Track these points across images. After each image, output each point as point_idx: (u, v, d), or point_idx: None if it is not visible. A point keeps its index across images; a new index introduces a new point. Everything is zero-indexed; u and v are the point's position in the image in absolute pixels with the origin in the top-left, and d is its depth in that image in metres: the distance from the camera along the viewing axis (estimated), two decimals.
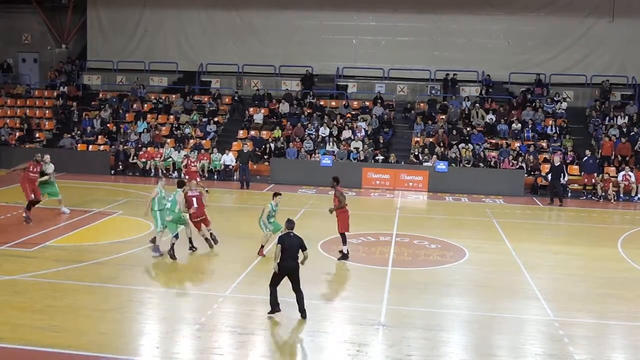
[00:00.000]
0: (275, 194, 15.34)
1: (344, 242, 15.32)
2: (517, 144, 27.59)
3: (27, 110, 32.82)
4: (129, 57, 33.89)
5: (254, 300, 12.27)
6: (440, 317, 11.75)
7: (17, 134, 30.77)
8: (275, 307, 11.27)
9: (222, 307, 11.94)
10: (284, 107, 30.65)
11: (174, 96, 32.39)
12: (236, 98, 31.80)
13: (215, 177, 26.88)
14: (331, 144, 27.84)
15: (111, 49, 34.31)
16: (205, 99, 32.09)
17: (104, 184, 24.80)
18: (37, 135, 31.02)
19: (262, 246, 15.11)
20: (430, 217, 22.09)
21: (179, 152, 27.37)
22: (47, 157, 18.94)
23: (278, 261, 11.07)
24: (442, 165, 25.60)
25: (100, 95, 33.22)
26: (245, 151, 25.85)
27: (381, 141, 27.91)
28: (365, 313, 11.71)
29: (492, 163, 26.52)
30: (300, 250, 11.33)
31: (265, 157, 27.81)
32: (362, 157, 26.95)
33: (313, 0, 32.43)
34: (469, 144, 27.28)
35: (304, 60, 32.30)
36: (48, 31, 35.29)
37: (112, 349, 9.76)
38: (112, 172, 27.26)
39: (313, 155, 27.39)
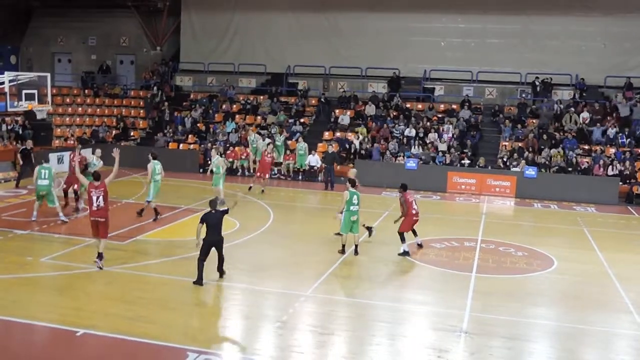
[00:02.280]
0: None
1: (403, 240, 15.50)
2: (612, 150, 26.41)
3: (123, 110, 34.35)
4: (219, 59, 34.77)
5: (336, 301, 12.33)
6: (525, 327, 11.40)
7: (114, 132, 32.25)
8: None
9: (304, 306, 12.04)
10: (370, 109, 30.59)
11: (261, 97, 32.99)
12: (322, 99, 32.04)
13: (300, 177, 27.16)
14: (416, 146, 27.57)
15: (202, 51, 35.31)
16: (292, 100, 32.52)
17: (193, 181, 25.54)
18: (131, 133, 32.38)
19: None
20: (517, 223, 21.47)
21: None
22: (98, 152, 20.16)
23: (203, 237, 12.55)
24: (531, 171, 24.83)
25: (192, 96, 34.27)
26: (330, 152, 25.98)
27: (468, 145, 27.40)
28: (446, 319, 11.51)
29: (583, 168, 25.44)
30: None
31: (351, 158, 27.87)
32: (447, 161, 26.54)
33: (400, 3, 32.19)
34: (561, 149, 26.32)
35: (391, 62, 32.15)
36: (144, 34, 36.73)
37: (197, 342, 10.02)
38: (201, 170, 28.03)
39: (398, 157, 27.20)
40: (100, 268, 13.44)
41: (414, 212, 15.74)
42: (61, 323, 10.62)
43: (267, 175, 23.74)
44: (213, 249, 12.74)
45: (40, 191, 17.80)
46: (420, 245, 16.29)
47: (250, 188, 23.53)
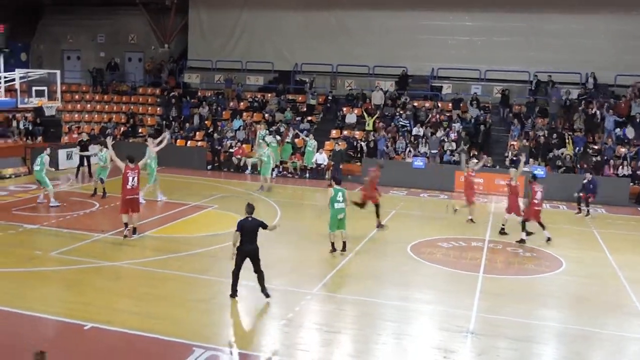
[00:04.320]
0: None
1: (523, 228, 16.73)
2: (623, 150, 26.27)
3: (132, 107, 34.47)
4: (227, 57, 34.82)
5: (342, 299, 12.34)
6: (532, 329, 11.37)
7: (122, 128, 32.38)
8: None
9: (310, 304, 12.06)
10: (377, 98, 30.56)
11: (269, 95, 33.03)
12: (330, 97, 32.05)
13: (307, 175, 27.18)
14: (424, 145, 27.54)
15: (210, 48, 35.39)
16: (300, 98, 32.55)
17: (200, 178, 25.59)
18: (140, 130, 32.48)
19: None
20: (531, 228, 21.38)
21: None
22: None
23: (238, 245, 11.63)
24: (539, 171, 24.71)
25: (199, 93, 34.34)
26: (337, 150, 25.98)
27: (476, 143, 27.33)
28: (453, 319, 11.50)
29: (592, 166, 25.25)
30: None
31: (358, 157, 27.89)
32: (455, 160, 26.49)
33: (408, 1, 32.14)
34: (570, 148, 26.20)
35: (399, 60, 32.10)
36: (152, 32, 36.82)
37: (204, 338, 10.06)
38: (209, 167, 28.10)
39: (405, 156, 27.19)
40: (128, 236, 15.58)
41: (536, 201, 16.85)
42: (69, 317, 10.70)
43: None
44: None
45: (36, 177, 19.54)
46: (549, 239, 16.90)
47: (262, 187, 23.46)
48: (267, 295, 11.80)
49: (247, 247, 11.61)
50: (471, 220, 19.32)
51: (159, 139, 21.57)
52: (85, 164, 25.56)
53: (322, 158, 26.94)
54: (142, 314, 11.02)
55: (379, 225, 17.75)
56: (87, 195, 21.33)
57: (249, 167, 27.63)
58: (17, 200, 20.29)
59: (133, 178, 15.64)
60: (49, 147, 21.80)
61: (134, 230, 15.88)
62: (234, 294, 11.80)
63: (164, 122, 32.09)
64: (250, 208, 11.86)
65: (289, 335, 10.60)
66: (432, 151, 27.18)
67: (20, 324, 10.59)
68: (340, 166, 25.83)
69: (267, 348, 10.14)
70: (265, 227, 11.84)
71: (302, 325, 11.04)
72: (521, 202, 18.29)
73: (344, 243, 15.22)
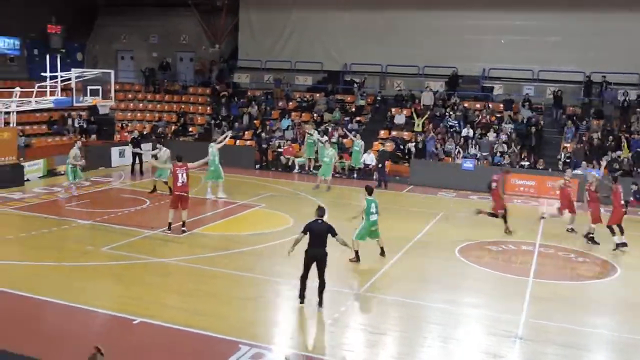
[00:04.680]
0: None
1: (613, 233, 16.32)
2: None
3: (183, 106, 35.03)
4: (277, 57, 35.01)
5: (388, 301, 12.26)
6: (582, 336, 11.06)
7: (173, 127, 32.93)
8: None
9: (356, 304, 12.02)
10: (427, 99, 30.28)
11: (317, 95, 33.10)
12: (379, 98, 31.92)
13: (355, 175, 27.08)
14: (474, 146, 27.17)
15: (260, 48, 35.63)
16: (349, 98, 32.53)
17: (249, 177, 25.80)
18: (190, 129, 32.98)
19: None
20: (578, 228, 20.84)
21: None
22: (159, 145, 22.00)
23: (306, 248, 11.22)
24: (594, 174, 24.05)
25: (249, 93, 34.64)
26: (382, 150, 25.78)
27: (527, 145, 26.81)
28: (501, 323, 11.28)
29: None
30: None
31: (406, 158, 27.70)
32: (506, 162, 26.03)
33: (459, 0, 31.73)
34: (626, 151, 25.42)
35: (449, 60, 31.71)
36: (203, 32, 37.31)
37: (250, 335, 10.12)
38: (257, 166, 28.32)
39: (455, 157, 26.87)
40: (184, 231, 16.17)
41: (622, 203, 16.58)
42: (119, 311, 10.94)
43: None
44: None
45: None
46: (624, 244, 16.44)
47: (317, 186, 23.48)
48: (320, 305, 11.38)
49: (315, 251, 11.20)
50: (572, 229, 18.41)
51: (222, 136, 22.65)
52: (137, 161, 26.16)
53: (370, 158, 26.84)
54: (190, 310, 11.17)
55: (507, 231, 17.59)
56: (139, 192, 21.78)
57: (297, 167, 27.74)
58: (71, 196, 20.82)
59: (182, 175, 16.21)
60: (77, 141, 22.71)
61: (183, 224, 16.35)
62: (302, 299, 11.42)
63: (214, 121, 32.49)
64: (320, 211, 11.52)
65: (334, 335, 10.58)
66: (482, 153, 26.78)
67: (72, 317, 10.86)
68: (385, 166, 25.56)
69: (313, 347, 10.14)
70: (334, 234, 11.36)
71: (348, 325, 11.01)
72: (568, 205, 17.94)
73: (382, 248, 14.80)
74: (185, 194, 16.34)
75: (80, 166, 20.98)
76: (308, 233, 11.25)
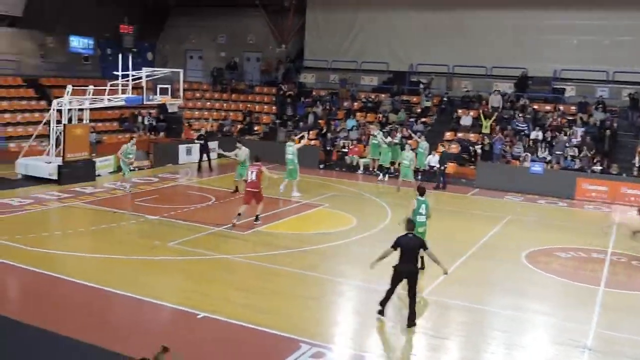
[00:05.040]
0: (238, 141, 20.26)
1: None
2: None
3: (249, 105, 35.48)
4: (343, 57, 34.99)
5: (451, 305, 12.05)
6: None
7: (239, 126, 33.41)
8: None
9: (418, 308, 11.79)
10: (495, 101, 29.63)
11: (383, 95, 32.93)
12: (445, 99, 31.49)
13: (419, 177, 26.74)
14: (543, 149, 26.44)
15: (326, 48, 35.67)
16: (414, 99, 32.22)
17: (313, 177, 25.88)
18: (255, 128, 33.37)
19: None
20: None
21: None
22: (239, 144, 21.38)
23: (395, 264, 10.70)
24: None
25: (314, 93, 34.77)
26: (444, 152, 25.31)
27: (600, 150, 25.89)
28: (569, 333, 10.92)
29: None
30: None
31: (472, 160, 27.23)
32: (577, 166, 25.24)
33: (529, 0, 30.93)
34: None
35: (518, 61, 30.93)
36: (270, 32, 37.68)
37: (310, 334, 10.14)
38: (321, 166, 28.38)
39: (522, 160, 26.23)
40: (256, 221, 17.09)
41: None
42: (184, 305, 11.14)
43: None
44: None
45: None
46: None
47: (398, 189, 23.25)
48: (410, 325, 10.62)
49: (405, 267, 10.63)
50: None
51: (299, 136, 23.81)
52: (205, 158, 26.65)
53: (434, 160, 26.47)
54: (252, 306, 11.27)
55: None
56: (205, 189, 22.19)
57: (361, 167, 27.66)
58: (140, 192, 21.39)
59: (252, 173, 17.01)
60: (133, 138, 23.63)
61: (256, 218, 17.22)
62: (382, 312, 10.91)
63: (279, 121, 32.78)
64: (410, 224, 11.00)
65: (396, 337, 10.48)
66: (554, 155, 26.02)
67: (139, 309, 11.15)
68: (446, 168, 25.15)
69: (374, 349, 10.07)
70: (426, 248, 10.80)
71: (410, 329, 10.87)
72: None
73: (422, 258, 13.02)
74: (254, 190, 16.99)
75: (129, 163, 21.62)
76: (398, 248, 10.67)
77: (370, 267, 10.86)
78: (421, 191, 14.04)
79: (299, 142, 22.98)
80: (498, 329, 11.08)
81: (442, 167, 24.78)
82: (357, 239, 16.39)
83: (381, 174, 26.24)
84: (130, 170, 22.14)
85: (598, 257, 15.83)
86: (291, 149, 21.54)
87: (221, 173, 26.29)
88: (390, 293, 10.86)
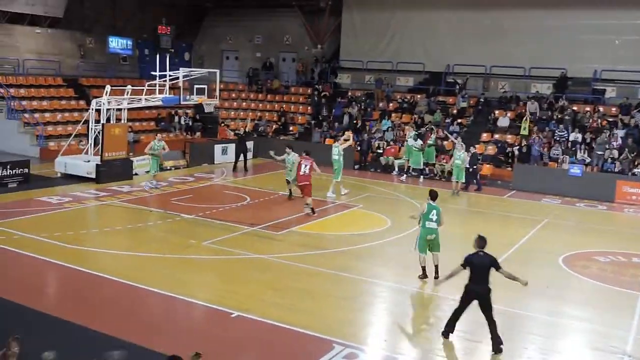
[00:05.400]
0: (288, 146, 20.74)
1: None
2: None
3: (284, 105, 35.59)
4: (378, 57, 34.85)
5: None
6: None
7: (274, 126, 33.54)
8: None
9: (453, 310, 11.71)
10: (532, 107, 29.12)
11: (419, 96, 32.71)
12: (482, 100, 31.14)
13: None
14: (582, 151, 25.95)
15: (361, 49, 35.57)
16: (450, 100, 31.95)
17: (347, 177, 25.75)
18: (290, 128, 33.46)
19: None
20: None
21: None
22: (288, 149, 21.02)
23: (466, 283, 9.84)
24: None
25: (349, 93, 34.71)
26: (473, 153, 24.96)
27: None
28: (607, 339, 10.68)
29: None
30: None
31: (509, 162, 26.87)
32: (617, 169, 24.70)
33: None
34: None
35: (557, 62, 30.41)
36: (306, 33, 37.75)
37: (344, 335, 10.10)
38: (356, 167, 28.31)
39: (561, 162, 25.78)
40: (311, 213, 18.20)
41: None
42: (218, 304, 11.22)
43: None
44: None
45: None
46: None
47: (457, 192, 23.13)
48: (498, 351, 9.83)
49: (476, 288, 9.88)
50: None
51: (344, 137, 24.38)
52: (242, 158, 26.78)
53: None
54: (286, 306, 11.29)
55: None
56: (240, 189, 22.33)
57: (396, 168, 27.51)
58: (176, 191, 21.63)
59: (305, 166, 18.53)
60: (158, 134, 24.22)
61: (312, 211, 18.35)
62: (446, 334, 10.24)
63: (314, 121, 32.81)
64: (481, 241, 10.04)
65: (429, 340, 10.38)
66: (593, 158, 25.52)
67: (173, 307, 11.26)
68: (477, 169, 24.80)
69: (407, 351, 9.99)
70: (498, 267, 9.92)
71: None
72: None
73: (436, 267, 12.94)
74: (306, 183, 18.45)
75: (156, 157, 22.02)
76: (468, 267, 9.96)
77: (435, 284, 10.29)
78: (433, 195, 13.26)
79: (345, 143, 23.30)
80: (534, 334, 10.91)
81: (471, 169, 24.40)
82: (392, 240, 16.31)
83: (404, 174, 26.39)
84: (160, 169, 22.49)
85: (638, 262, 15.46)
86: (337, 150, 21.85)
87: (256, 173, 26.43)
88: (458, 314, 10.18)
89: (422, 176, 26.17)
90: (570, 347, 10.58)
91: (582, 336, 11.06)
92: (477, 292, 9.89)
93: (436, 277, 12.62)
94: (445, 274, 10.43)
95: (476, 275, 9.88)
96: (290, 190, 20.82)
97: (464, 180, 23.39)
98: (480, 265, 9.88)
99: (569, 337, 11.03)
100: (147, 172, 22.83)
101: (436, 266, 12.94)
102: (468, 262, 9.95)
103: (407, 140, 27.09)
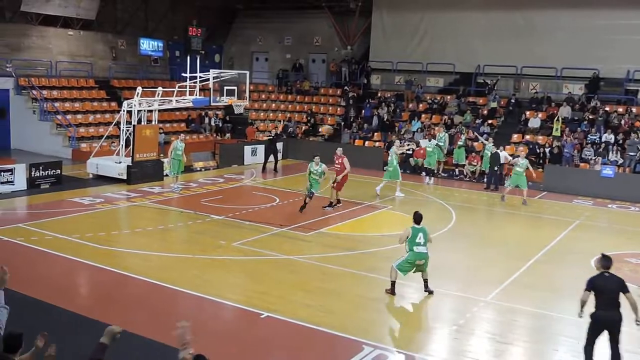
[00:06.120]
0: (314, 156, 18.91)
1: None
2: None
3: (313, 106, 35.67)
4: (408, 58, 34.73)
5: (517, 310, 11.79)
6: None
7: (303, 127, 33.63)
8: None
9: (482, 311, 11.66)
10: (564, 111, 28.87)
11: (449, 97, 32.52)
12: (513, 100, 30.84)
13: (485, 179, 26.27)
14: (615, 152, 25.55)
15: (391, 50, 35.47)
16: (481, 101, 31.71)
17: (376, 178, 25.74)
18: (320, 129, 33.51)
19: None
20: None
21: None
22: (317, 159, 19.04)
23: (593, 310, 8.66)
24: None
25: (379, 94, 34.65)
26: (493, 152, 24.70)
27: None
28: (638, 340, 10.51)
29: None
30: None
31: (540, 162, 26.57)
32: None
33: None
34: None
35: (590, 62, 29.97)
36: (336, 34, 37.80)
37: (373, 336, 10.11)
38: (384, 168, 28.19)
39: (593, 163, 25.43)
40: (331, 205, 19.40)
41: None
42: (248, 304, 11.29)
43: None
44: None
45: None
46: None
47: (503, 197, 22.57)
48: None
49: (605, 315, 8.68)
50: None
51: (405, 143, 25.51)
52: (272, 159, 26.89)
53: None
54: (315, 307, 11.33)
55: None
56: (269, 190, 22.44)
57: (423, 172, 27.40)
58: (206, 192, 21.83)
59: (337, 163, 19.82)
60: (181, 134, 24.51)
61: (330, 204, 19.54)
62: None
63: (343, 122, 32.82)
64: (606, 261, 8.94)
65: (458, 341, 10.33)
66: (626, 158, 25.11)
67: (202, 308, 11.37)
68: (498, 170, 24.56)
69: (437, 353, 9.97)
70: (626, 290, 8.75)
71: (473, 332, 10.71)
72: None
73: (426, 281, 12.38)
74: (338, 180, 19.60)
75: (178, 158, 21.77)
76: (593, 291, 8.82)
77: (578, 316, 9.14)
78: (417, 219, 12.20)
79: (402, 147, 24.17)
80: (565, 336, 10.77)
81: (494, 168, 24.20)
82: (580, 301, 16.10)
83: (427, 177, 26.14)
84: (190, 170, 22.58)
85: None
86: (391, 151, 22.37)
87: (285, 174, 26.55)
88: (590, 351, 8.95)
89: (428, 176, 26.08)
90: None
91: None
92: (608, 319, 8.73)
93: (427, 291, 12.21)
94: (579, 305, 9.05)
95: (605, 300, 8.68)
96: (305, 202, 18.81)
97: (525, 188, 21.83)
98: (608, 289, 8.73)
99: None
100: (166, 175, 22.96)
101: (425, 280, 12.36)
102: (593, 285, 8.80)
103: (438, 140, 27.02)
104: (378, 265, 14.06)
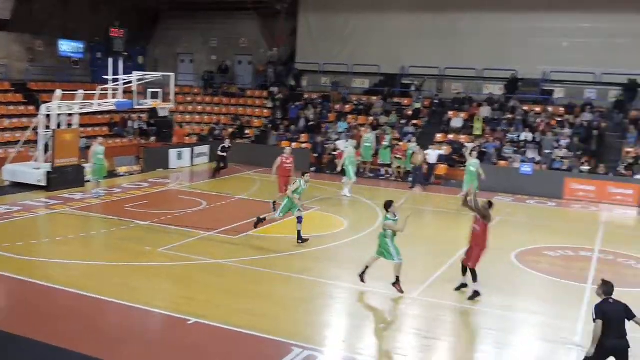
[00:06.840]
0: (304, 173, 16.70)
1: None
2: None
3: (240, 109, 35.46)
4: (334, 60, 35.01)
5: (442, 306, 12.09)
6: None
7: (230, 130, 33.37)
8: None
9: (409, 308, 11.92)
10: (485, 111, 29.82)
11: (374, 98, 33.00)
12: (436, 101, 31.60)
13: (410, 178, 26.80)
14: (532, 151, 26.59)
15: (318, 51, 35.65)
16: (406, 101, 32.33)
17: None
18: (247, 132, 33.35)
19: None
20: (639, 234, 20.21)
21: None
22: (307, 176, 17.46)
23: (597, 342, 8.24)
24: None
25: (306, 96, 34.79)
26: (413, 152, 25.33)
27: (588, 150, 26.06)
28: (557, 330, 11.02)
29: None
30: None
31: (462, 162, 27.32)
32: (565, 167, 25.40)
33: (522, 2, 31.07)
34: None
35: (509, 63, 31.09)
36: (262, 36, 37.70)
37: (303, 338, 10.15)
38: (312, 169, 28.36)
39: (512, 162, 26.36)
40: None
41: None
42: (174, 311, 11.12)
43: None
44: None
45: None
46: None
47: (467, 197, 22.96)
48: None
49: (613, 343, 8.21)
50: None
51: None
52: (222, 164, 26.41)
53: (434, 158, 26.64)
54: (244, 311, 11.28)
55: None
56: (195, 194, 22.18)
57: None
58: (130, 197, 21.36)
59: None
60: (98, 137, 23.86)
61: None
62: None
63: (270, 125, 32.78)
64: (608, 287, 8.57)
65: (386, 339, 10.54)
66: (543, 156, 26.16)
67: (129, 316, 11.12)
68: (420, 169, 25.29)
69: (365, 351, 10.11)
70: (632, 315, 8.44)
71: (401, 329, 10.95)
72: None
73: (367, 267, 12.67)
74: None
75: (100, 163, 21.45)
76: (602, 320, 8.27)
77: (588, 355, 8.50)
78: (387, 205, 12.68)
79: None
80: (489, 328, 11.16)
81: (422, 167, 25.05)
82: (349, 242, 16.45)
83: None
84: (103, 176, 21.92)
85: (585, 256, 15.98)
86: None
87: (213, 177, 26.27)
88: None
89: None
90: (522, 340, 10.87)
91: (534, 329, 11.37)
92: (618, 348, 8.26)
93: (395, 287, 12.27)
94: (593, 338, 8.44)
95: (613, 327, 8.25)
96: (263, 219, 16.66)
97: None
98: (615, 316, 8.34)
99: (521, 330, 11.32)
100: (88, 180, 22.22)
101: (367, 267, 12.64)
102: (603, 313, 8.30)
103: (365, 141, 27.42)
104: (306, 266, 14.15)
